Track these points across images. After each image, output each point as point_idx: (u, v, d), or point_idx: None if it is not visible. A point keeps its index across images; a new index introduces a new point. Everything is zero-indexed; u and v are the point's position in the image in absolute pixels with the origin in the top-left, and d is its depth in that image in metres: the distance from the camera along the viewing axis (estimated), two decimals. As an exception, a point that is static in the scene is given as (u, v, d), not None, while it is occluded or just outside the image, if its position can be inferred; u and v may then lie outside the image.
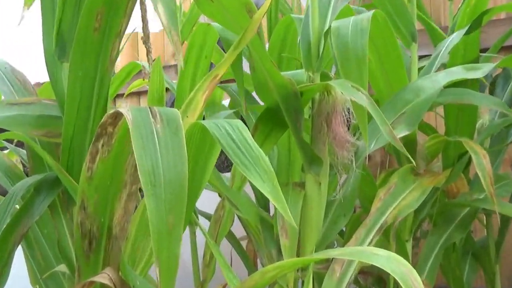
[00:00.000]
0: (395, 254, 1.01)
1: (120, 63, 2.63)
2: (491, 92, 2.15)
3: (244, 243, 2.20)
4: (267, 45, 1.66)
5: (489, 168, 1.62)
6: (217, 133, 1.03)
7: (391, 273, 0.97)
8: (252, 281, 1.06)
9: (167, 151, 0.93)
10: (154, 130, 0.94)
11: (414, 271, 0.97)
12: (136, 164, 0.91)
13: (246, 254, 2.07)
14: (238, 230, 2.01)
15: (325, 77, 1.57)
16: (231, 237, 1.98)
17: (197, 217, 1.91)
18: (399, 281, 0.95)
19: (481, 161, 1.62)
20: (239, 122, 1.06)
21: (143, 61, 1.67)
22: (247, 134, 1.03)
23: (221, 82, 2.35)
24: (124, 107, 0.98)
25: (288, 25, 1.63)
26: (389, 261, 0.99)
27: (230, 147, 1.01)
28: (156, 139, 0.94)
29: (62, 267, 1.25)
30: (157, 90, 1.11)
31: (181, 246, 1.99)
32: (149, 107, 0.97)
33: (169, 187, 0.91)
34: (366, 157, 2.53)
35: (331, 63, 1.83)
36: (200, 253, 1.85)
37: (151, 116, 0.96)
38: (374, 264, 1.02)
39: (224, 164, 2.29)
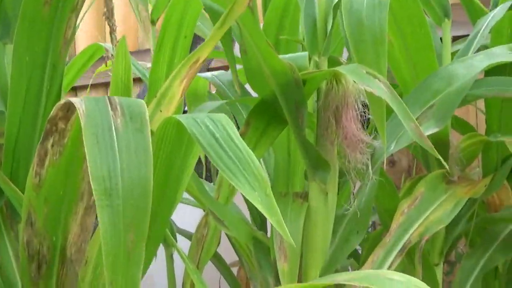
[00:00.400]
0: (416, 279, 1.00)
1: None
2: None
3: (235, 270, 2.21)
4: (261, 25, 1.66)
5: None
6: (196, 130, 1.02)
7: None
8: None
9: (129, 153, 0.93)
10: (113, 126, 0.94)
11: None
12: (95, 170, 0.91)
13: (238, 282, 2.07)
14: (228, 253, 2.02)
15: (334, 62, 1.57)
16: (219, 261, 1.98)
17: (175, 236, 1.90)
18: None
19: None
20: (223, 117, 1.05)
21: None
22: (234, 131, 1.03)
23: (208, 70, 2.38)
24: (78, 98, 0.98)
25: (288, 2, 1.63)
26: (408, 287, 0.99)
27: (212, 148, 1.00)
28: (115, 137, 0.93)
29: (6, 298, 1.26)
30: (122, 78, 1.11)
31: (157, 272, 2.01)
32: (108, 98, 0.97)
33: (129, 198, 0.91)
34: (385, 161, 2.55)
35: (341, 46, 1.82)
36: (179, 281, 1.85)
37: (110, 109, 0.95)
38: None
39: (210, 171, 2.28)
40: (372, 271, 1.15)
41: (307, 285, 1.05)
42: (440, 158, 1.34)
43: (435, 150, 1.31)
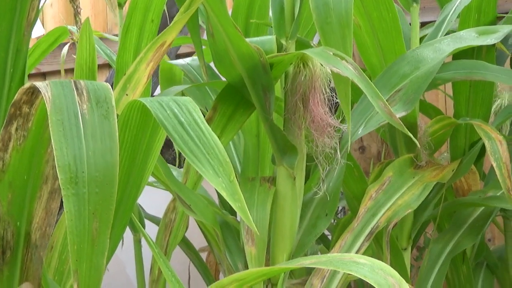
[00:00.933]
0: (381, 262, 1.01)
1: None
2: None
3: (204, 255, 2.21)
4: (231, 9, 1.65)
5: (506, 157, 1.62)
6: (161, 114, 1.01)
7: (375, 285, 0.97)
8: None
9: (95, 140, 0.92)
10: (80, 112, 0.93)
11: (405, 283, 0.98)
12: (60, 154, 0.91)
13: (207, 267, 2.08)
14: (197, 239, 2.02)
15: (303, 46, 1.57)
16: (187, 247, 1.99)
17: (143, 222, 1.91)
18: (379, 290, 0.96)
19: (496, 148, 1.63)
20: (188, 100, 1.04)
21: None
22: (199, 115, 1.02)
23: (178, 56, 2.37)
24: (43, 82, 0.97)
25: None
26: (373, 270, 0.99)
27: (177, 132, 1.00)
28: (81, 124, 0.92)
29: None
30: (87, 61, 1.10)
31: (126, 258, 2.00)
32: (74, 82, 0.96)
33: (94, 185, 0.91)
34: (355, 148, 2.57)
35: (314, 31, 1.82)
36: (147, 266, 1.85)
37: (76, 94, 0.95)
38: (354, 274, 1.03)
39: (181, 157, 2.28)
40: (337, 255, 1.16)
41: (275, 268, 1.05)
42: (410, 135, 1.35)
43: (404, 127, 1.33)
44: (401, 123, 1.33)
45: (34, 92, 1.00)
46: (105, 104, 0.95)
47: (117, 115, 1.08)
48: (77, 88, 0.96)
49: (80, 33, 1.10)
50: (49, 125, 0.90)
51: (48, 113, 0.90)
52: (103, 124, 0.94)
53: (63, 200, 0.88)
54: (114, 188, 0.92)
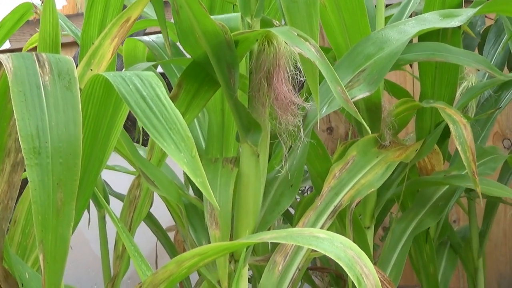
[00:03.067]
0: (341, 236, 1.03)
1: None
2: (480, 49, 2.19)
3: (172, 235, 2.23)
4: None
5: (470, 139, 1.64)
6: (123, 88, 1.02)
7: (334, 259, 0.99)
8: (167, 272, 1.07)
9: (57, 111, 0.94)
10: (41, 84, 0.95)
11: (365, 256, 1.00)
12: (22, 127, 0.92)
13: (174, 247, 2.09)
14: (166, 219, 2.03)
15: (268, 25, 1.58)
16: (155, 225, 2.00)
17: (108, 198, 1.91)
18: (344, 267, 0.97)
19: (460, 131, 1.65)
20: (151, 75, 1.05)
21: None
22: (161, 90, 1.03)
23: (145, 34, 2.37)
24: (5, 54, 0.98)
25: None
26: (332, 244, 1.01)
27: (139, 107, 1.00)
28: (44, 95, 0.94)
29: None
30: (50, 34, 1.11)
31: (91, 235, 2.01)
32: (36, 54, 0.97)
33: (58, 156, 0.92)
34: (323, 128, 2.59)
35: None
36: (112, 243, 1.86)
37: (38, 66, 0.96)
38: (314, 248, 1.04)
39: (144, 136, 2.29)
40: (297, 229, 1.17)
41: (235, 243, 1.06)
42: (363, 122, 1.36)
43: (359, 115, 1.33)
44: (356, 110, 1.33)
45: (-4, 62, 1.01)
46: (67, 76, 0.96)
47: (80, 89, 1.09)
48: (39, 60, 0.97)
49: (43, 7, 1.11)
50: (11, 96, 0.91)
51: (9, 84, 0.92)
52: (65, 95, 0.95)
53: (26, 170, 0.89)
54: (78, 158, 0.94)
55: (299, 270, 1.52)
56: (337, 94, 1.29)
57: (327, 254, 1.01)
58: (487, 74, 2.13)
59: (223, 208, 1.42)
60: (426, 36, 1.81)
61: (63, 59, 0.99)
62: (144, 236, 1.96)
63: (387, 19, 1.88)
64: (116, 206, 1.85)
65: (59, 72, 0.97)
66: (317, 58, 1.27)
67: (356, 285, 0.97)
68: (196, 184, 0.96)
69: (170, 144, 0.98)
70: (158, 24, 1.50)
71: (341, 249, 1.00)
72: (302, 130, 1.41)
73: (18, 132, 0.89)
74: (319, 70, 1.29)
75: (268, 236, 1.03)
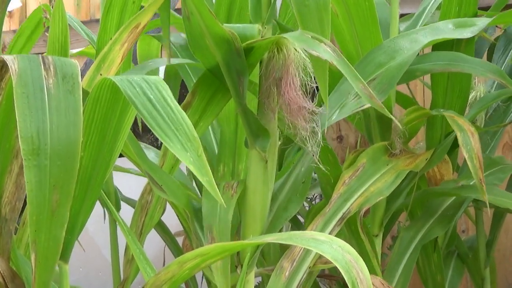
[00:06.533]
0: (341, 240, 1.02)
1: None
2: (489, 58, 2.17)
3: (180, 240, 2.21)
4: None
5: (477, 147, 1.62)
6: (130, 91, 1.01)
7: (331, 260, 0.98)
8: (169, 273, 1.06)
9: (59, 114, 0.93)
10: (45, 86, 0.94)
11: (362, 262, 0.98)
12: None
13: (182, 251, 2.08)
14: (174, 224, 2.02)
15: (284, 31, 1.57)
16: (163, 231, 1.99)
17: (119, 203, 1.90)
18: (340, 270, 0.96)
19: (468, 140, 1.63)
20: (158, 79, 1.05)
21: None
22: (168, 93, 1.03)
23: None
24: (12, 56, 0.97)
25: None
26: (331, 247, 1.00)
27: (146, 109, 1.00)
28: (46, 97, 0.93)
29: None
30: (59, 38, 1.10)
31: (103, 240, 1.99)
32: (42, 57, 0.96)
33: (56, 158, 0.91)
34: (338, 138, 2.57)
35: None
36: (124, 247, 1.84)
37: (43, 68, 0.95)
38: (313, 249, 1.04)
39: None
40: (299, 232, 1.16)
41: (237, 244, 1.05)
42: (389, 114, 1.35)
43: (385, 108, 1.31)
44: (382, 104, 1.32)
45: (3, 67, 1.00)
46: (71, 79, 0.95)
47: (88, 92, 1.08)
48: (44, 63, 0.96)
49: (53, 12, 1.10)
50: (14, 97, 0.90)
51: (13, 86, 0.91)
52: (68, 99, 0.94)
53: (24, 170, 0.88)
54: (76, 161, 0.93)
55: (306, 275, 1.51)
56: (360, 90, 1.27)
57: (325, 256, 1.00)
58: (495, 84, 2.11)
59: (222, 229, 1.41)
60: (441, 45, 1.79)
61: (68, 63, 0.98)
62: (152, 240, 1.94)
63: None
64: (126, 210, 1.85)
65: (64, 76, 0.96)
66: (335, 58, 1.25)
67: (350, 286, 0.96)
68: (202, 182, 0.95)
69: (176, 144, 0.97)
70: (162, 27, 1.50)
71: (339, 252, 0.99)
72: (320, 134, 1.39)
73: (18, 133, 0.89)
74: (331, 77, 1.29)
75: (270, 238, 1.02)
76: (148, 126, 0.99)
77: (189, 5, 1.31)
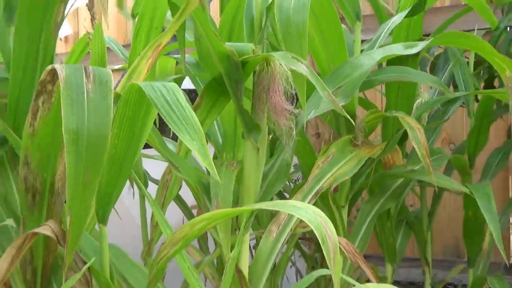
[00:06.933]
0: (314, 207, 1.03)
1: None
2: (432, 72, 2.18)
3: (195, 212, 2.22)
4: (218, 22, 1.65)
5: (424, 140, 1.64)
6: (152, 94, 1.02)
7: (306, 221, 0.98)
8: (182, 233, 1.07)
9: (95, 113, 0.94)
10: (85, 90, 0.94)
11: (330, 223, 0.99)
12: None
13: (197, 220, 2.09)
14: (191, 200, 2.02)
15: (274, 49, 1.58)
16: (182, 204, 1.99)
17: (147, 183, 1.91)
18: (313, 229, 0.97)
19: (416, 135, 1.64)
20: (174, 85, 1.06)
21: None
22: (181, 96, 1.04)
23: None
24: (61, 65, 0.98)
25: (239, 4, 1.62)
26: (307, 212, 1.01)
27: (164, 108, 1.01)
28: (86, 99, 0.94)
29: (10, 221, 1.25)
30: (99, 53, 1.11)
31: (136, 211, 1.99)
32: (84, 66, 0.97)
33: (90, 147, 0.92)
34: (316, 134, 2.55)
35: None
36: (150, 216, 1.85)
37: (84, 76, 0.96)
38: (293, 214, 1.04)
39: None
40: (282, 201, 1.16)
41: (235, 210, 1.06)
42: (348, 116, 1.35)
43: (343, 110, 1.32)
44: (341, 108, 1.33)
45: (55, 73, 1.01)
46: (106, 86, 0.97)
47: (120, 94, 1.09)
48: (86, 72, 0.97)
49: (94, 34, 1.11)
50: (61, 97, 0.91)
51: (61, 88, 0.91)
52: (102, 102, 0.95)
53: (65, 155, 0.89)
54: (104, 150, 0.94)
55: (289, 236, 1.51)
56: (325, 97, 1.28)
57: (301, 218, 1.02)
58: (436, 92, 2.12)
59: (225, 197, 1.41)
60: (393, 61, 1.80)
61: (104, 72, 0.99)
62: (173, 212, 1.94)
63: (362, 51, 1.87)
64: (154, 188, 1.85)
65: (100, 82, 0.96)
66: (308, 73, 1.27)
67: (321, 243, 0.97)
68: (204, 165, 0.96)
69: (185, 135, 0.98)
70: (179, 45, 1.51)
71: (313, 215, 1.01)
72: (294, 130, 1.40)
73: (63, 126, 0.90)
74: (309, 83, 1.29)
75: (258, 205, 1.04)
76: (165, 121, 1.01)
77: (199, 30, 1.32)
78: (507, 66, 1.54)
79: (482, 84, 2.15)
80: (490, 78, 2.15)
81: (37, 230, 1.11)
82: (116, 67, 2.30)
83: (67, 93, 0.92)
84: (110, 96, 0.95)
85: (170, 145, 1.77)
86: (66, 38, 3.79)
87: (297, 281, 2.46)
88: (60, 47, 3.70)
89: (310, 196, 1.55)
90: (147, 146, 1.40)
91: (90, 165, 0.93)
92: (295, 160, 1.99)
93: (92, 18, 1.15)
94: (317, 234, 0.97)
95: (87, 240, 1.30)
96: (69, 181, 0.91)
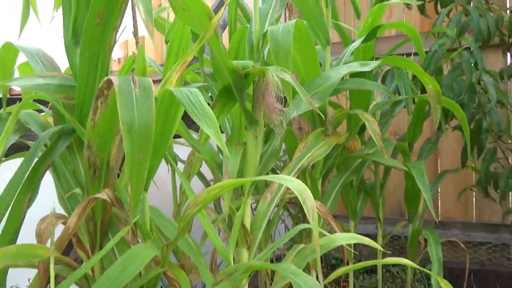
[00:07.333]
0: (297, 179, 1.02)
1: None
2: (383, 82, 2.18)
3: (212, 183, 2.21)
4: (227, 46, 1.65)
5: (378, 130, 1.63)
6: (180, 96, 1.02)
7: (292, 189, 0.98)
8: (202, 197, 1.07)
9: (142, 109, 0.93)
10: (134, 93, 0.94)
11: (308, 190, 0.99)
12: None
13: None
14: (210, 176, 2.02)
15: (266, 64, 1.58)
16: (202, 178, 1.99)
17: (177, 161, 1.90)
18: (297, 195, 0.97)
19: (372, 127, 1.64)
20: (196, 90, 1.05)
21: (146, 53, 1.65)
22: (201, 97, 1.03)
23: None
24: (114, 76, 0.98)
25: (243, 32, 1.62)
26: (292, 182, 1.01)
27: (189, 105, 1.01)
28: (134, 100, 0.94)
29: (78, 190, 1.26)
30: (141, 68, 1.10)
31: (168, 183, 1.98)
32: (132, 77, 0.97)
33: (140, 134, 0.92)
34: (299, 128, 2.53)
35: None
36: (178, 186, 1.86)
37: (132, 83, 0.96)
38: (281, 183, 1.04)
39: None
40: (274, 175, 1.16)
41: (240, 180, 1.05)
42: (321, 114, 1.36)
43: (317, 109, 1.33)
44: (317, 108, 1.34)
45: (110, 82, 1.01)
46: (148, 90, 0.96)
47: (157, 97, 1.08)
48: (133, 80, 0.96)
49: (138, 53, 1.10)
50: (117, 100, 0.91)
51: (116, 93, 0.91)
52: (146, 101, 0.95)
53: (123, 141, 0.89)
54: (150, 137, 0.94)
55: (279, 201, 1.51)
56: (305, 100, 1.28)
57: (288, 186, 1.01)
58: (386, 97, 2.11)
59: (232, 170, 1.41)
60: (354, 75, 1.80)
61: (147, 80, 0.99)
62: (196, 184, 1.93)
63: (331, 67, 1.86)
64: (181, 166, 1.85)
65: (144, 87, 0.96)
66: (293, 82, 1.27)
67: (302, 205, 0.97)
68: (217, 143, 0.96)
69: (204, 124, 0.98)
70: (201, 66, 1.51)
71: (296, 184, 1.00)
72: (283, 123, 1.39)
73: (120, 120, 0.90)
74: (293, 89, 1.29)
75: (258, 178, 1.02)
76: (190, 115, 1.00)
77: (214, 51, 1.32)
78: (430, 82, 1.61)
79: (419, 92, 2.15)
80: (423, 87, 2.15)
81: (97, 195, 1.11)
82: (155, 78, 2.29)
83: (121, 96, 0.92)
84: (152, 98, 0.95)
85: (194, 134, 1.77)
86: (119, 59, 3.78)
87: (285, 233, 2.46)
88: (115, 66, 3.68)
89: (294, 172, 1.54)
90: (176, 136, 1.39)
91: (141, 148, 0.92)
92: (283, 146, 2.00)
93: (137, 43, 1.14)
94: (299, 198, 0.96)
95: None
96: (128, 161, 0.91)
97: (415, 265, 1.22)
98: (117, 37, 1.14)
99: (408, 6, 2.43)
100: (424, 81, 1.62)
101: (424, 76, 1.61)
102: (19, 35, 1.22)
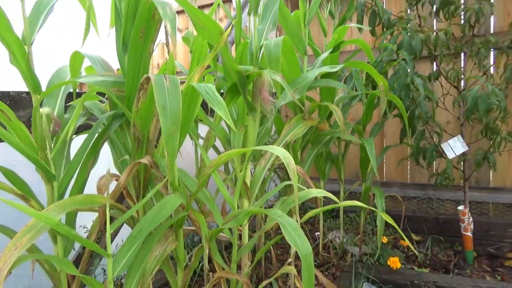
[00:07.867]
0: (284, 149, 1.00)
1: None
2: (345, 82, 2.14)
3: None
4: (234, 54, 1.61)
5: (341, 116, 1.62)
6: (200, 89, 1.01)
7: (281, 157, 0.97)
8: (214, 162, 1.05)
9: (172, 97, 0.91)
10: (166, 86, 0.92)
11: (291, 157, 0.97)
12: (159, 104, 0.89)
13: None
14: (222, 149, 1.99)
15: (262, 69, 1.54)
16: (216, 150, 1.96)
17: (198, 137, 1.88)
18: (283, 161, 0.95)
19: (337, 113, 1.62)
20: (211, 85, 1.03)
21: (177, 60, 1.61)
22: (215, 90, 1.02)
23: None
24: (152, 74, 0.95)
25: (245, 45, 1.58)
26: (279, 151, 0.99)
27: (206, 96, 0.99)
28: (166, 90, 0.91)
29: (126, 156, 1.24)
30: (171, 69, 1.08)
31: (192, 153, 1.94)
32: (164, 75, 0.95)
33: (172, 113, 0.90)
34: (286, 116, 2.48)
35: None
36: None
37: (164, 79, 0.93)
38: (271, 152, 1.02)
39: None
40: (268, 145, 1.14)
41: (243, 149, 1.04)
42: (300, 104, 1.34)
43: (298, 101, 1.30)
44: (297, 99, 1.31)
45: (149, 79, 0.98)
46: (176, 83, 0.94)
47: (182, 90, 1.06)
48: (165, 77, 0.94)
49: (169, 60, 1.08)
50: (154, 91, 0.88)
51: (153, 86, 0.89)
52: (175, 92, 0.92)
53: (160, 118, 0.87)
54: (179, 116, 0.91)
55: (270, 165, 1.50)
56: (289, 94, 1.26)
57: (277, 154, 0.99)
58: (346, 92, 2.09)
59: (238, 143, 1.39)
60: (324, 76, 1.77)
61: (175, 78, 0.96)
62: (212, 155, 1.91)
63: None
64: (201, 141, 1.82)
65: (172, 82, 0.94)
66: (281, 81, 1.24)
67: (287, 168, 0.95)
68: (227, 122, 0.93)
69: (217, 108, 0.96)
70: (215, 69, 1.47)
71: (282, 153, 0.99)
72: (274, 111, 1.37)
73: (156, 104, 0.88)
74: (281, 86, 1.27)
75: (255, 147, 1.00)
76: (207, 102, 0.98)
77: (223, 57, 1.29)
78: (381, 80, 1.58)
79: (370, 89, 2.11)
80: (373, 85, 2.12)
81: (140, 160, 1.10)
82: (182, 77, 2.25)
83: (157, 88, 0.89)
84: (179, 89, 0.92)
85: (210, 118, 1.74)
86: (158, 64, 3.71)
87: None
88: (155, 71, 3.63)
89: (281, 145, 1.52)
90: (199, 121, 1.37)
91: (173, 124, 0.90)
92: (274, 127, 1.97)
93: (168, 51, 1.11)
94: (284, 162, 0.95)
95: (165, 166, 1.29)
96: (164, 132, 0.89)
97: (365, 205, 1.22)
98: (154, 47, 1.11)
99: (360, 30, 2.39)
100: (377, 80, 1.59)
101: (377, 75, 1.57)
102: (82, 45, 1.19)
